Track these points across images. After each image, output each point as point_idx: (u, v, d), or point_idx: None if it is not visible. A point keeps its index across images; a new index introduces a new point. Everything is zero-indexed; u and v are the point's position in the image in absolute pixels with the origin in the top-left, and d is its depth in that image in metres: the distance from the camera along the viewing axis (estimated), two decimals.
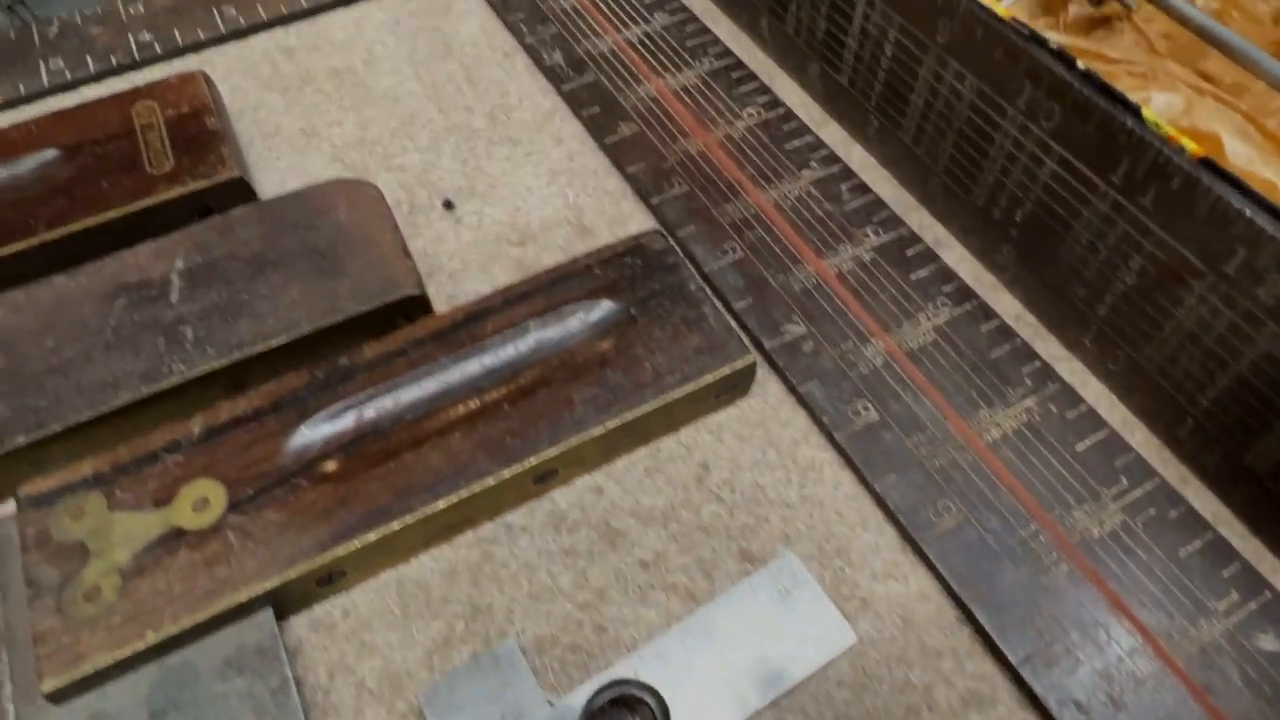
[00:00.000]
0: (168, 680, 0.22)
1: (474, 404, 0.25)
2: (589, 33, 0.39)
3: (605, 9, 0.39)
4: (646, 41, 0.38)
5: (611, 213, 0.33)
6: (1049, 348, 0.29)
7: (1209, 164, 0.23)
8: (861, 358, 0.28)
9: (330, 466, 0.24)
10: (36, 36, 0.39)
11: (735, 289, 0.30)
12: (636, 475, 0.26)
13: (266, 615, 0.23)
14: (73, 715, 0.21)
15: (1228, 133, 0.30)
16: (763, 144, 0.34)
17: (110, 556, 0.23)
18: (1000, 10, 0.27)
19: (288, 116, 0.36)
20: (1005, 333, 0.29)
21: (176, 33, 0.39)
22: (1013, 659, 0.23)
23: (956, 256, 0.31)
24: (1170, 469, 0.26)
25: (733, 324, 0.27)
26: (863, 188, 0.33)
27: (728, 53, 0.38)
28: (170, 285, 0.28)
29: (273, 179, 0.34)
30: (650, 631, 0.24)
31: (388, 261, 0.28)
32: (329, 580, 0.24)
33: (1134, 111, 0.24)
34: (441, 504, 0.24)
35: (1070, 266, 0.27)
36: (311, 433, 0.25)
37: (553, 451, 0.25)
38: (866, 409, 0.27)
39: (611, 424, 0.25)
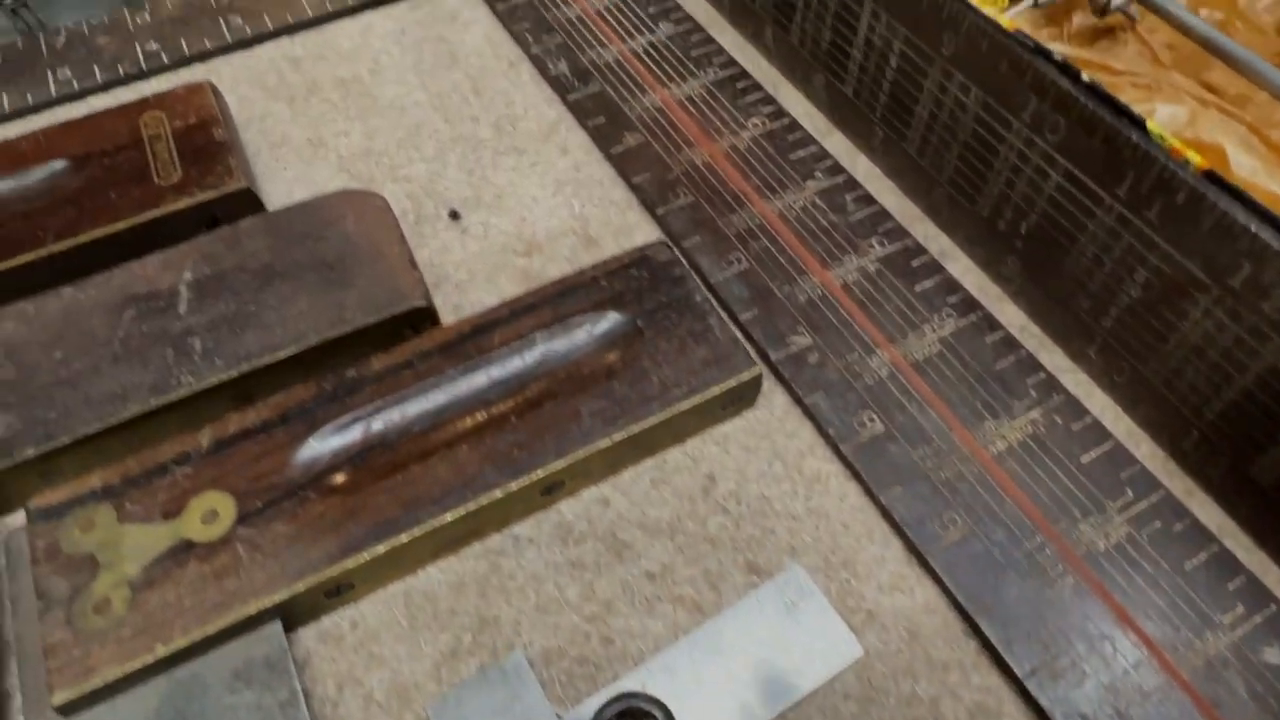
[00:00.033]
0: (177, 693, 0.22)
1: (481, 416, 0.26)
2: (594, 42, 0.39)
3: (610, 19, 0.40)
4: (651, 51, 0.38)
5: (617, 223, 0.33)
6: (1054, 359, 0.29)
7: (1214, 177, 0.23)
8: (867, 369, 0.28)
9: (338, 479, 0.24)
10: (44, 46, 0.39)
11: (741, 300, 0.30)
12: (643, 487, 0.27)
13: (275, 628, 0.23)
14: None
15: (1232, 144, 0.31)
16: (768, 154, 0.34)
17: (120, 569, 0.23)
18: (1005, 22, 0.27)
19: (294, 126, 0.36)
20: (1010, 344, 0.29)
21: (183, 42, 0.39)
22: (1019, 672, 0.23)
23: (961, 268, 0.31)
24: (1175, 481, 0.26)
25: (739, 336, 0.27)
26: (867, 198, 0.33)
27: (732, 63, 0.38)
28: (178, 296, 0.28)
29: (279, 189, 0.34)
30: (657, 644, 0.24)
31: (395, 273, 0.29)
32: (337, 592, 0.24)
33: (1139, 125, 0.24)
34: (449, 516, 0.24)
35: (1075, 279, 0.27)
36: (320, 445, 0.25)
37: (560, 464, 0.25)
38: (872, 420, 0.27)
39: (618, 436, 0.25)
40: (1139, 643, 0.23)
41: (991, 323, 0.29)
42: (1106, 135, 0.24)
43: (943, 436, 0.27)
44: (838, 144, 0.35)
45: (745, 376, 0.26)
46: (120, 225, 0.30)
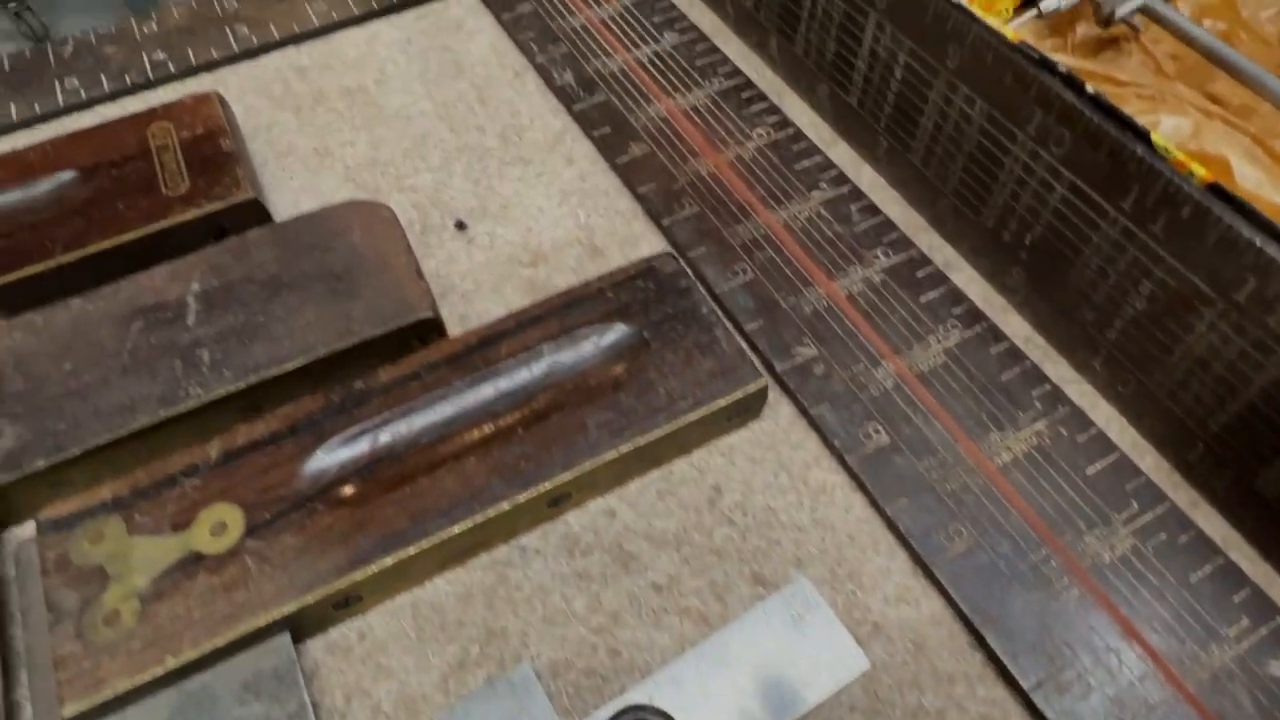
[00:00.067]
0: (186, 705, 0.22)
1: (488, 428, 0.26)
2: (599, 52, 0.39)
3: (615, 28, 0.40)
4: (657, 61, 0.38)
5: (622, 233, 0.33)
6: (1059, 370, 0.29)
7: (1219, 191, 0.23)
8: (872, 380, 0.28)
9: (347, 491, 0.24)
10: (51, 56, 0.39)
11: (746, 310, 0.30)
12: (649, 498, 0.27)
13: (284, 640, 0.23)
14: None
15: (1236, 155, 0.31)
16: (772, 164, 0.34)
17: (129, 581, 0.23)
18: (1009, 34, 0.27)
19: (301, 136, 0.37)
20: (1015, 355, 0.29)
21: (190, 52, 0.39)
22: (1025, 684, 0.23)
23: (966, 278, 0.31)
24: (1180, 493, 0.26)
25: (744, 347, 0.27)
26: (872, 209, 0.33)
27: (737, 72, 0.38)
28: (186, 308, 0.28)
29: (286, 199, 0.34)
30: (664, 656, 0.24)
31: (402, 284, 0.29)
32: (345, 604, 0.24)
33: (1144, 138, 0.24)
34: (457, 528, 0.24)
35: (1080, 290, 0.27)
36: (328, 457, 0.25)
37: (566, 475, 0.25)
38: (878, 431, 0.27)
39: (625, 448, 0.25)
40: (1144, 655, 0.23)
41: (996, 334, 0.29)
42: (1112, 149, 0.24)
43: (948, 448, 0.27)
44: (842, 154, 0.35)
45: (751, 388, 0.27)
46: (128, 236, 0.30)
